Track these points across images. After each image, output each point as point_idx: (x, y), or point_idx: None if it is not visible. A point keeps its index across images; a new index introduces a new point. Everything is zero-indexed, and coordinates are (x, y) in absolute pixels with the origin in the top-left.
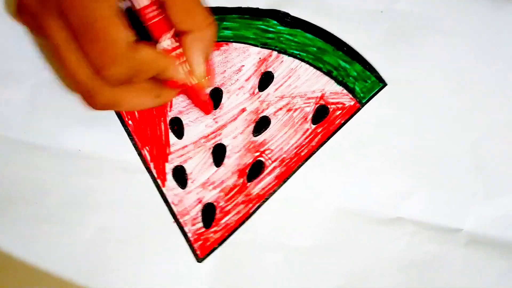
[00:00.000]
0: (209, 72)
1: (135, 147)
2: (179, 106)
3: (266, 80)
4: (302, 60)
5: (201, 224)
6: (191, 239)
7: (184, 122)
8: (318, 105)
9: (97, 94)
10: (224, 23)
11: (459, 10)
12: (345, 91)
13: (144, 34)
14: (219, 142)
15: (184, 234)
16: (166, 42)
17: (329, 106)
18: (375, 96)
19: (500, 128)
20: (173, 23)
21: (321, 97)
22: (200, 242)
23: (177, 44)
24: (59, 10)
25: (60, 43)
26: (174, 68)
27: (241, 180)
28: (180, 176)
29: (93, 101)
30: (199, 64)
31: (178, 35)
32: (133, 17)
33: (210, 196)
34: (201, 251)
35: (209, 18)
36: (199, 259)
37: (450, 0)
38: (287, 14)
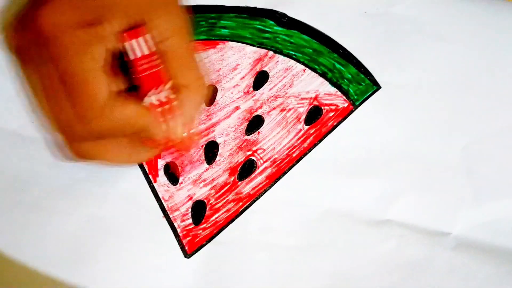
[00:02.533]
0: (192, 132)
1: None
2: None
3: (261, 79)
4: (298, 61)
5: (190, 221)
6: (180, 234)
7: None
8: (312, 105)
9: (74, 143)
10: (221, 21)
11: (455, 15)
12: (339, 92)
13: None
14: (211, 139)
15: (173, 230)
16: (155, 96)
17: (322, 107)
18: (369, 99)
19: (491, 133)
20: (172, 76)
21: (315, 98)
22: (188, 238)
23: (168, 99)
24: (49, 57)
25: (47, 87)
26: (156, 126)
27: (232, 178)
28: (171, 172)
29: (70, 148)
30: (188, 121)
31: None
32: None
33: (200, 193)
34: (189, 247)
35: (203, 77)
36: (187, 255)
37: (446, 5)
38: (284, 15)
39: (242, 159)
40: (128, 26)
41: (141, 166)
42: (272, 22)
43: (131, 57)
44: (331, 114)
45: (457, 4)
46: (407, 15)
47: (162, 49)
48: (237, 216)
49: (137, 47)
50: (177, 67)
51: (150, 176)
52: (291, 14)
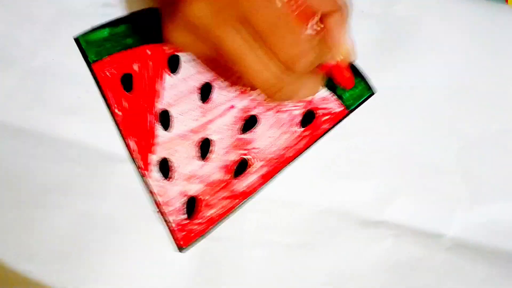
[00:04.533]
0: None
1: (121, 137)
2: (169, 98)
3: None
4: None
5: (184, 216)
6: (174, 229)
7: (172, 115)
8: (306, 109)
9: (283, 87)
10: None
11: (452, 17)
12: (334, 97)
13: None
14: (206, 136)
15: (167, 224)
16: (312, 27)
17: (317, 112)
18: (364, 103)
19: (487, 135)
20: (315, 10)
21: (310, 102)
22: (183, 233)
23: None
24: (239, 16)
25: (241, 49)
26: (337, 50)
27: (227, 176)
28: (165, 168)
29: (278, 95)
30: (345, 41)
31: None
32: None
33: (195, 189)
34: (183, 242)
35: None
36: (181, 249)
37: (443, 7)
38: None
39: (236, 158)
40: None
41: (134, 162)
42: None
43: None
44: (326, 118)
45: (454, 7)
46: (405, 16)
47: None
48: (231, 213)
49: None
50: (315, 2)
51: (143, 171)
52: None
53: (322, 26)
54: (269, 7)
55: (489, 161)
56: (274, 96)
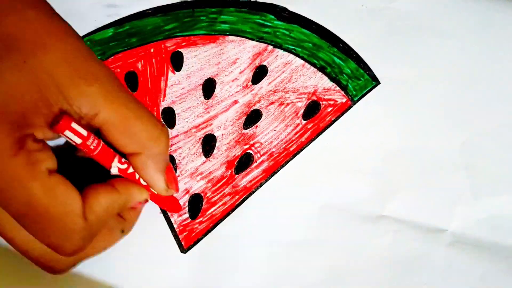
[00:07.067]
0: (172, 180)
1: None
2: (172, 96)
3: (260, 73)
4: (297, 55)
5: (187, 215)
6: (177, 230)
7: (176, 112)
8: (310, 100)
9: (57, 263)
10: (222, 16)
11: (455, 11)
12: (337, 87)
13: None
14: (209, 132)
15: (170, 225)
16: (117, 165)
17: (320, 102)
18: (367, 94)
19: (490, 129)
20: (117, 147)
21: (313, 93)
22: (185, 233)
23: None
24: None
25: (3, 224)
26: (138, 192)
27: (229, 172)
28: None
29: (55, 270)
30: (158, 180)
31: (125, 157)
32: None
33: (197, 186)
34: (186, 242)
35: (155, 130)
36: (184, 250)
37: (446, 1)
38: (284, 9)
39: (239, 153)
40: (53, 118)
41: None
42: (272, 16)
43: (77, 142)
44: (329, 109)
45: (457, 0)
46: (407, 11)
47: (96, 126)
48: (233, 210)
49: (72, 136)
50: (117, 140)
51: None
52: (291, 8)
53: (126, 165)
54: (19, 191)
55: (492, 155)
56: (52, 271)
